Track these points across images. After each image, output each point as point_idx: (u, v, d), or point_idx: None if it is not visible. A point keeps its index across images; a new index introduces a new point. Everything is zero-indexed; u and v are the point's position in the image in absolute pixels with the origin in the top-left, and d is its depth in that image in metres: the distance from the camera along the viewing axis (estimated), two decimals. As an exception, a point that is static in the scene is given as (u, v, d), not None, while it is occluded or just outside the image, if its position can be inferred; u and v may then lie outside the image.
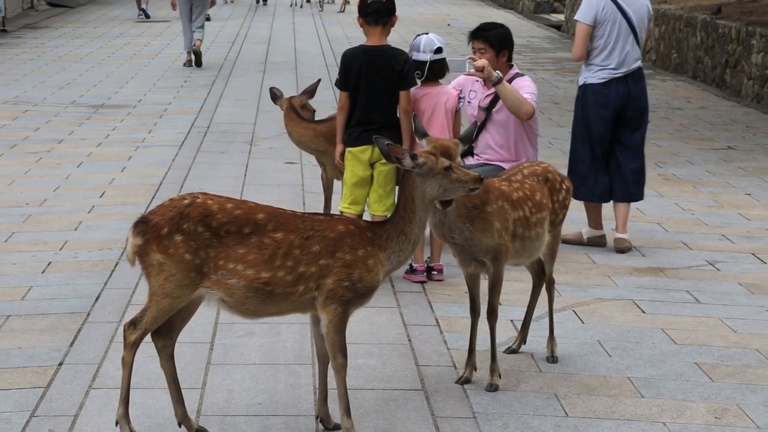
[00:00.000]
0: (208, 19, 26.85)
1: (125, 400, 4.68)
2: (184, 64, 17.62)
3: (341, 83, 6.93)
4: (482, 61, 6.98)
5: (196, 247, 4.52)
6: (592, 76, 8.07)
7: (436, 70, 7.01)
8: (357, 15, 7.02)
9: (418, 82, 7.02)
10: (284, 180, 9.86)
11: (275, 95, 7.93)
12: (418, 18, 26.86)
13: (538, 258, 5.73)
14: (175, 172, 10.04)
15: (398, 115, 6.90)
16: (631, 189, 8.11)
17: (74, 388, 5.31)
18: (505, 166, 7.20)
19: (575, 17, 8.17)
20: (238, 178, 9.86)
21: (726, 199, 9.56)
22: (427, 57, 6.96)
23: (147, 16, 26.15)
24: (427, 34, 7.10)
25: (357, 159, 6.92)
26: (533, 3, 28.90)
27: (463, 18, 27.28)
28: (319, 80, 8.27)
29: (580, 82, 8.19)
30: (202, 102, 14.13)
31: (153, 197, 9.01)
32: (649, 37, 18.98)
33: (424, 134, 5.26)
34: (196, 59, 17.53)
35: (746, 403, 5.33)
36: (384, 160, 6.79)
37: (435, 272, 7.14)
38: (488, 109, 7.40)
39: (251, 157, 10.84)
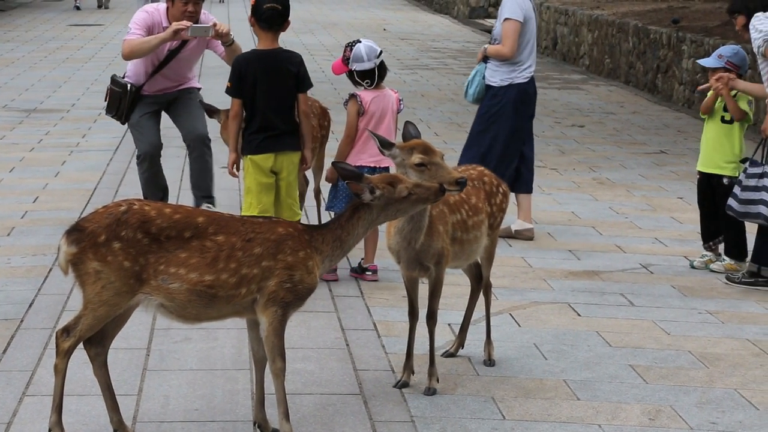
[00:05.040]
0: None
1: (58, 408, 4.62)
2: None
3: (234, 90, 6.70)
4: (225, 26, 7.53)
5: (135, 253, 4.48)
6: (518, 75, 8.21)
7: (381, 74, 7.14)
8: (249, 15, 6.90)
9: (367, 88, 7.11)
10: (220, 185, 9.79)
11: (211, 110, 7.88)
12: (353, 22, 26.86)
13: (475, 262, 5.77)
14: (109, 177, 9.94)
15: (297, 119, 6.80)
16: (532, 178, 8.55)
17: (7, 395, 5.24)
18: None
19: (506, 15, 8.13)
20: (173, 183, 9.76)
21: (659, 202, 9.68)
22: (373, 64, 7.07)
23: (78, 8, 28.35)
24: (359, 42, 7.13)
25: (258, 167, 6.74)
26: (468, 8, 29.01)
27: (398, 23, 27.33)
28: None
29: (503, 83, 8.22)
30: (137, 106, 13.97)
31: (87, 202, 8.91)
32: (582, 42, 19.17)
33: (390, 144, 5.26)
34: None
35: (679, 404, 5.40)
36: (286, 172, 6.75)
37: (369, 272, 7.18)
38: (175, 51, 7.93)
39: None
